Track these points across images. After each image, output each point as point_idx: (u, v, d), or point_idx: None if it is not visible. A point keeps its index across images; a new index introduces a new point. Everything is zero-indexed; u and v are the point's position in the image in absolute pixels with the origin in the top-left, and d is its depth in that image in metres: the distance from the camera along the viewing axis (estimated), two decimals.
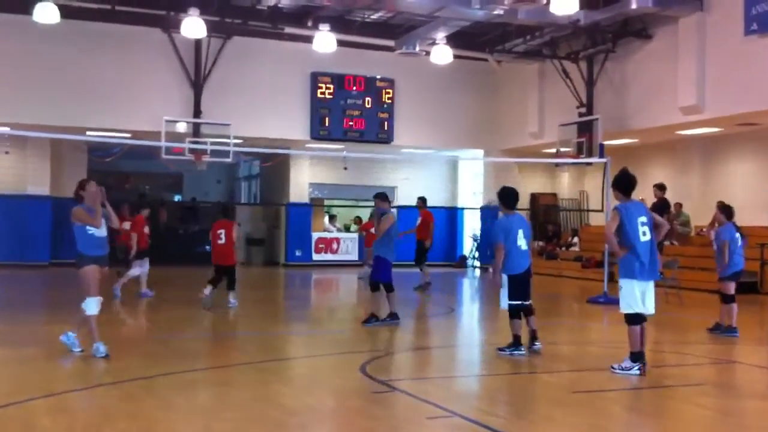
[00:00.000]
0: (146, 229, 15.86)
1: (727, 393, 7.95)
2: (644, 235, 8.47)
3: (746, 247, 12.35)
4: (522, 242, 9.66)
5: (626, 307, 8.45)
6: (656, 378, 8.96)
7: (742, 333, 11.40)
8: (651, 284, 8.52)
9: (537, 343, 9.74)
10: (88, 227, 8.74)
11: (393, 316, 12.36)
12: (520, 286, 9.68)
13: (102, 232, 8.85)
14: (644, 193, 19.14)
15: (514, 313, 9.67)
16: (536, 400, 7.36)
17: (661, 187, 17.53)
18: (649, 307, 8.50)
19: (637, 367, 8.30)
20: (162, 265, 17.89)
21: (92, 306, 8.76)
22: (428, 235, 18.87)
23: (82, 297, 8.84)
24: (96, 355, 8.63)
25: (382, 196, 12.60)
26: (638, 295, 8.39)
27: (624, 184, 8.77)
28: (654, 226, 8.69)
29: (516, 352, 9.57)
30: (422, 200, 19.46)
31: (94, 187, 8.87)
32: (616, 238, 8.50)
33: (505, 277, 9.68)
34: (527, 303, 9.74)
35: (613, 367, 8.46)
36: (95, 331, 8.77)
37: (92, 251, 8.78)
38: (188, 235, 28.96)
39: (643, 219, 8.56)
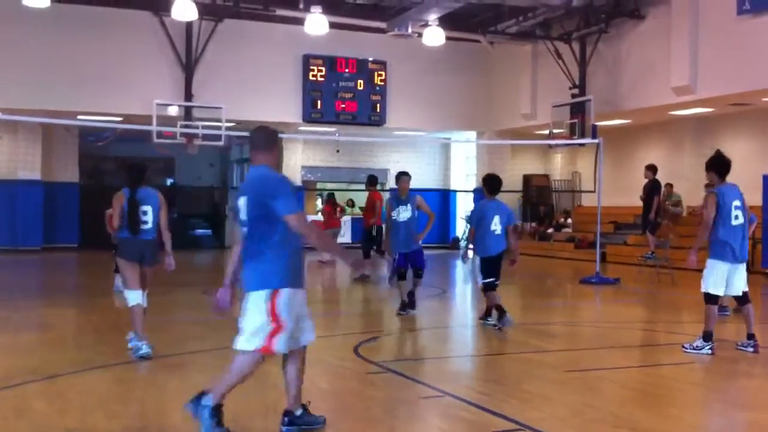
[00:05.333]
0: None
1: (715, 370, 8.01)
2: (737, 219, 8.53)
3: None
4: (496, 227, 10.20)
5: (707, 286, 8.51)
6: (648, 356, 9.03)
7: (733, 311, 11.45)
8: (741, 267, 8.57)
9: (507, 316, 10.23)
10: None
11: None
12: (491, 267, 10.34)
13: None
14: (636, 174, 19.22)
15: (488, 287, 10.35)
16: (529, 379, 7.39)
17: (651, 168, 17.57)
18: (738, 288, 8.57)
19: (708, 347, 8.35)
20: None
21: None
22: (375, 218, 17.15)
23: None
24: None
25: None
26: (722, 277, 8.44)
27: (721, 166, 8.72)
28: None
29: (488, 321, 10.43)
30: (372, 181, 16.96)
31: None
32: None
33: (477, 259, 10.51)
34: (497, 281, 10.38)
35: (684, 347, 8.53)
36: None
37: None
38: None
39: (737, 203, 8.60)
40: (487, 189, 10.53)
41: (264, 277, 5.31)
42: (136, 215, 8.13)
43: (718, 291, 8.53)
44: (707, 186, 9.19)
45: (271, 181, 5.40)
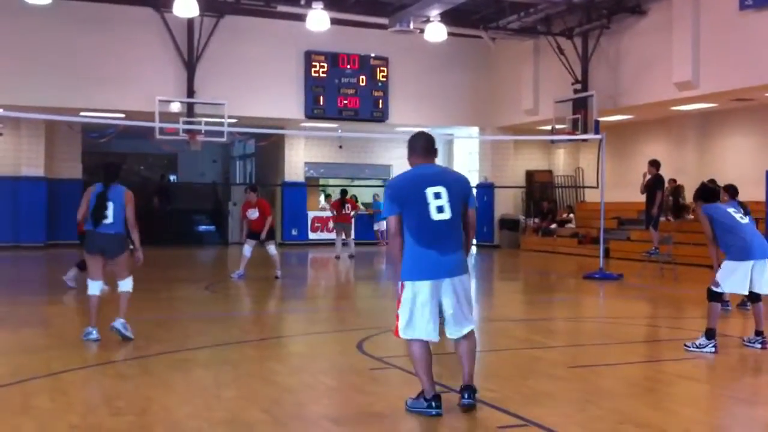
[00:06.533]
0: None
1: (721, 366, 8.00)
2: (742, 219, 8.53)
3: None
4: None
5: (723, 287, 8.39)
6: (651, 352, 9.03)
7: (735, 307, 11.44)
8: (765, 262, 8.38)
9: None
10: None
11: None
12: None
13: None
14: (638, 170, 19.19)
15: None
16: (532, 375, 7.40)
17: (654, 164, 17.55)
18: (765, 285, 8.42)
19: (712, 345, 8.24)
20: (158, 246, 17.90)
21: None
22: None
23: None
24: None
25: None
26: (744, 276, 8.29)
27: (707, 195, 8.87)
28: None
29: None
30: None
31: None
32: (713, 234, 8.48)
33: None
34: None
35: (686, 345, 8.41)
36: None
37: None
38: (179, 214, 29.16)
39: (734, 209, 8.66)
40: None
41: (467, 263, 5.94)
42: (102, 209, 8.60)
43: (743, 291, 8.45)
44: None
45: (465, 178, 6.22)
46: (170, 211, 28.91)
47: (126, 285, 8.90)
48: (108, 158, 29.35)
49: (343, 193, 22.14)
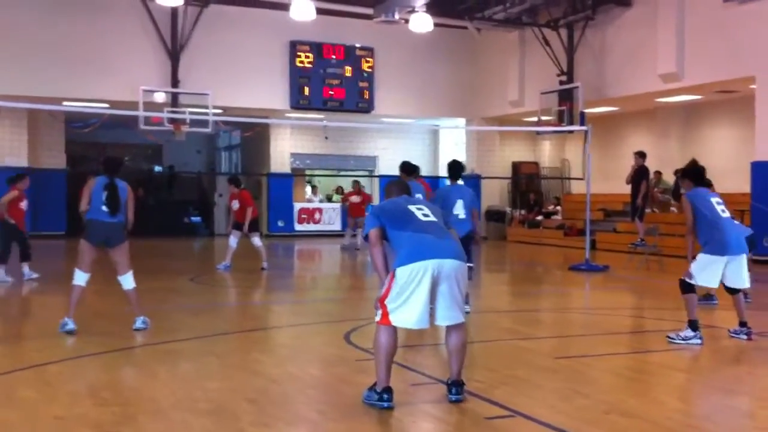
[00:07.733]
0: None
1: (705, 357, 8.03)
2: (723, 212, 8.43)
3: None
4: (459, 211, 10.19)
5: (696, 280, 8.31)
6: (637, 343, 9.05)
7: (721, 299, 11.46)
8: (741, 258, 8.33)
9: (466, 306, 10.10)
10: None
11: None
12: None
13: None
14: (624, 161, 19.26)
15: None
16: (519, 365, 7.39)
17: (641, 155, 17.59)
18: (744, 279, 8.38)
19: (697, 336, 8.22)
20: (143, 237, 17.80)
21: None
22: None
23: None
24: None
25: None
26: (717, 270, 8.24)
27: (695, 174, 8.77)
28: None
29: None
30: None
31: None
32: (695, 226, 8.39)
33: None
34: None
35: (670, 337, 8.37)
36: None
37: None
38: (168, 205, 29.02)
39: (717, 200, 8.55)
40: (449, 174, 10.63)
41: None
42: (116, 197, 8.67)
43: (713, 285, 8.43)
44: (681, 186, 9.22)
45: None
46: (161, 202, 28.89)
47: (128, 282, 8.89)
48: (91, 149, 29.40)
49: (357, 183, 22.37)
